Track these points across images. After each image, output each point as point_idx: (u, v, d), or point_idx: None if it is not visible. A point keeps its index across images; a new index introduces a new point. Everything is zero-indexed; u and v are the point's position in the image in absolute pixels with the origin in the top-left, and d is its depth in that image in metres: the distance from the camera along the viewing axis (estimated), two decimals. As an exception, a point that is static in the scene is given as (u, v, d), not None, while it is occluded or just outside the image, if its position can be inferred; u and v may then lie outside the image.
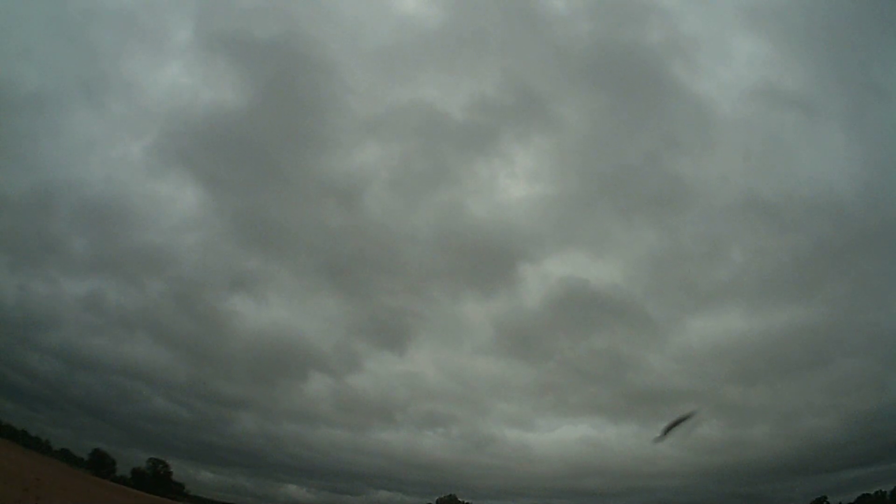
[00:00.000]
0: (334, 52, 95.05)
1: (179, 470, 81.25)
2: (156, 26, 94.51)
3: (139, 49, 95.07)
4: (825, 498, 71.76)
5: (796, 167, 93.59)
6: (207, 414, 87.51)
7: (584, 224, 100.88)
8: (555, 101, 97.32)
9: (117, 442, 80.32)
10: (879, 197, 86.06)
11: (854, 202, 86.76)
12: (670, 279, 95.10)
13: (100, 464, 74.83)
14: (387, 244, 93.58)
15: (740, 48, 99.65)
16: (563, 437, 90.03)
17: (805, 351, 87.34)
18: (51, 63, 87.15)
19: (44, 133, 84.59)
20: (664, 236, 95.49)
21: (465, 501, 76.56)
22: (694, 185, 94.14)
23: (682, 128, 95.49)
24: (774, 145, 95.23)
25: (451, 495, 76.35)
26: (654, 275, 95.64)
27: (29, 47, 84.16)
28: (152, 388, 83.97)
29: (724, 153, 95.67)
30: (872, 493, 69.07)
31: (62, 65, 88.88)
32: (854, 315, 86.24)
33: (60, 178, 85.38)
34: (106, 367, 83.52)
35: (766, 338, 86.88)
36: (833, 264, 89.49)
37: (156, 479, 73.02)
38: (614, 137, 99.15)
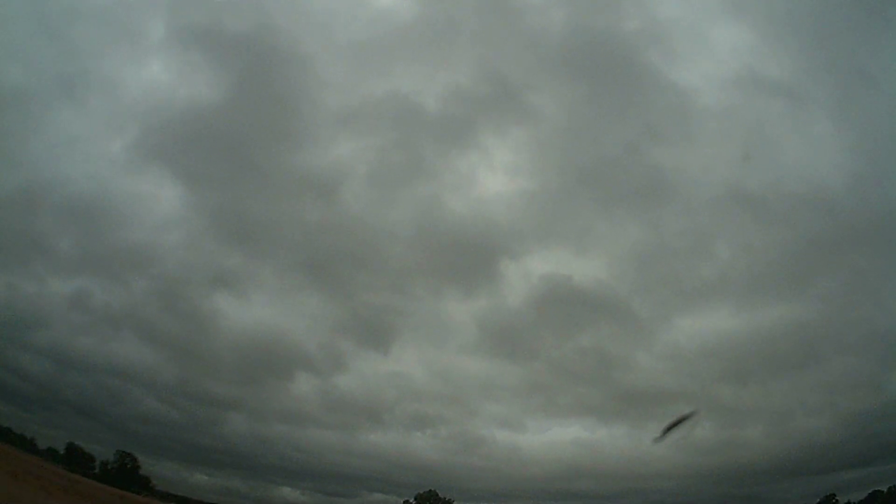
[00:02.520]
0: (308, 45, 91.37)
1: (173, 472, 77.77)
2: (133, 22, 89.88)
3: (118, 45, 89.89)
4: (834, 496, 65.21)
5: (782, 158, 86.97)
6: (197, 415, 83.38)
7: (565, 219, 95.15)
8: (531, 90, 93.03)
9: (112, 444, 75.77)
10: (870, 188, 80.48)
11: (844, 194, 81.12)
12: (655, 275, 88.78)
13: (75, 459, 69.58)
14: (366, 240, 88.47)
15: (721, 34, 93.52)
16: (554, 438, 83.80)
17: (797, 349, 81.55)
18: (32, 60, 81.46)
19: (27, 130, 79.98)
20: (647, 231, 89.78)
21: (446, 498, 69.15)
22: (676, 177, 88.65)
23: (661, 118, 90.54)
24: (759, 135, 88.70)
25: (430, 491, 70.63)
26: (639, 271, 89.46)
27: (10, 44, 79.08)
28: (142, 389, 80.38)
29: (707, 144, 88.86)
30: (885, 489, 61.49)
31: (43, 62, 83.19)
32: (847, 312, 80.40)
33: (44, 175, 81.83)
34: (96, 367, 79.07)
35: (756, 336, 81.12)
36: (824, 259, 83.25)
37: (122, 472, 67.15)
38: (592, 128, 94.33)
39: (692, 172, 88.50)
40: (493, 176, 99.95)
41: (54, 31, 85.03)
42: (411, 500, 69.79)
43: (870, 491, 63.46)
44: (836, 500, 65.02)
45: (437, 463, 79.32)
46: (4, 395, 72.41)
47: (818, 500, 66.25)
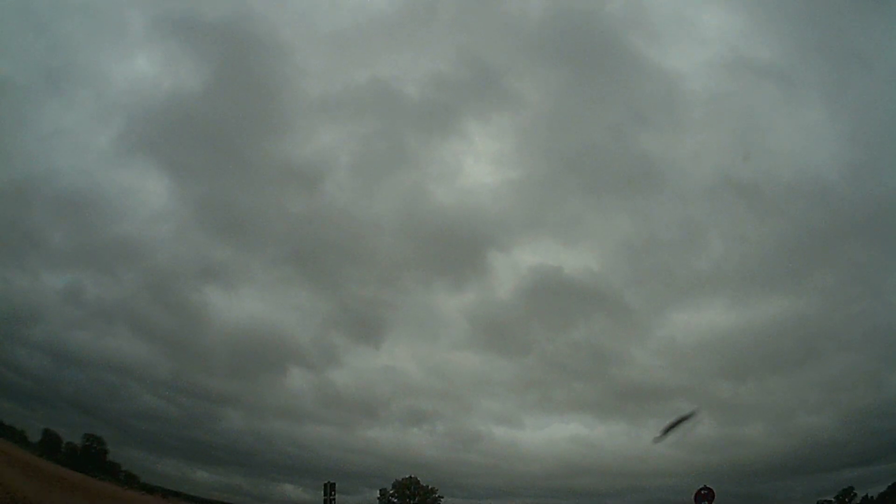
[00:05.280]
0: (286, 33, 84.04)
1: (175, 469, 72.39)
2: (116, 13, 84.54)
3: (102, 38, 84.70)
4: (852, 488, 59.78)
5: (776, 146, 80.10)
6: (194, 411, 77.63)
7: (552, 208, 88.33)
8: (512, 76, 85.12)
9: (113, 441, 70.05)
10: (867, 177, 73.51)
11: (840, 183, 75.01)
12: (647, 267, 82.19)
13: (52, 446, 64.93)
14: (352, 232, 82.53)
15: (707, 15, 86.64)
16: (552, 435, 77.29)
17: (796, 345, 75.69)
18: (18, 54, 76.99)
19: (15, 123, 74.81)
20: (638, 221, 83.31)
21: (429, 486, 63.72)
22: (665, 165, 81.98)
23: (648, 104, 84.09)
24: (750, 122, 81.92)
25: (410, 477, 64.12)
26: (630, 262, 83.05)
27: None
28: (139, 385, 75.54)
29: (696, 131, 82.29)
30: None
31: (29, 55, 78.67)
32: (846, 306, 74.15)
33: (34, 168, 76.63)
34: (92, 362, 73.54)
35: (753, 331, 74.49)
36: (821, 251, 76.85)
37: (87, 456, 62.56)
38: (577, 114, 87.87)
39: (682, 160, 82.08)
40: (478, 165, 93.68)
41: (40, 25, 79.98)
42: (389, 489, 63.18)
43: (890, 483, 56.49)
44: (855, 494, 58.30)
45: (435, 459, 73.36)
46: (4, 392, 68.07)
47: (835, 494, 59.73)
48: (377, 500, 63.16)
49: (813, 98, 79.79)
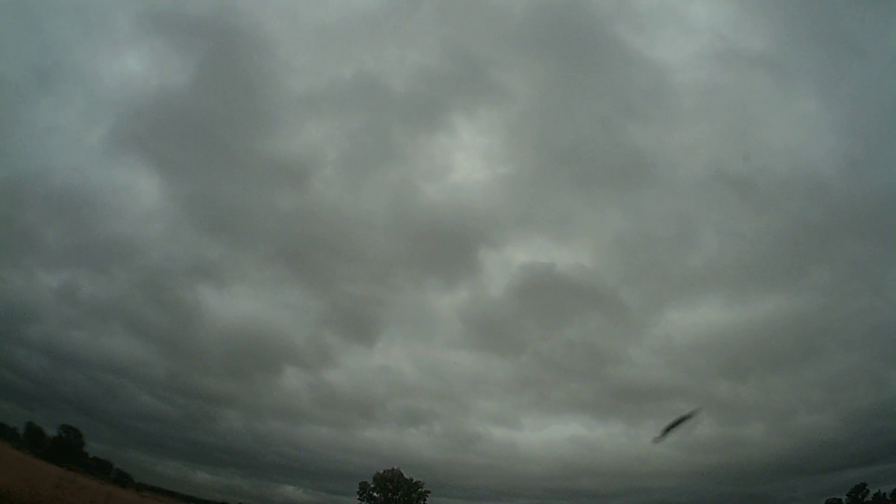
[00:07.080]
0: (271, 28, 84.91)
1: (175, 471, 70.00)
2: (104, 12, 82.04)
3: (91, 36, 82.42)
4: (864, 485, 55.52)
5: (769, 138, 76.59)
6: (192, 411, 74.87)
7: (543, 204, 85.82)
8: (499, 69, 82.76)
9: (112, 442, 69.04)
10: (864, 170, 69.24)
11: (836, 177, 70.94)
12: (641, 264, 79.20)
13: (35, 439, 62.05)
14: (342, 229, 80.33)
15: (696, 4, 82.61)
16: (551, 436, 74.94)
17: (795, 344, 72.25)
18: (9, 53, 74.36)
19: (7, 122, 72.15)
20: (630, 216, 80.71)
21: (413, 479, 59.20)
22: (656, 159, 77.94)
23: (637, 96, 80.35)
24: (743, 114, 77.78)
25: (393, 469, 59.29)
26: (623, 259, 79.95)
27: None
28: (136, 385, 72.01)
29: (687, 123, 78.44)
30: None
31: (20, 54, 76.11)
32: (846, 303, 69.87)
33: (26, 166, 73.74)
34: (89, 362, 71.59)
35: (751, 330, 71.48)
36: (818, 247, 73.55)
37: (61, 447, 59.07)
38: (566, 108, 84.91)
39: (674, 154, 79.33)
40: (466, 160, 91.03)
41: (31, 25, 78.03)
42: (369, 482, 58.09)
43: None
44: (867, 490, 54.82)
45: (433, 460, 70.98)
46: (6, 394, 65.60)
47: (845, 493, 56.21)
48: (356, 496, 58.52)
49: (807, 89, 77.09)
